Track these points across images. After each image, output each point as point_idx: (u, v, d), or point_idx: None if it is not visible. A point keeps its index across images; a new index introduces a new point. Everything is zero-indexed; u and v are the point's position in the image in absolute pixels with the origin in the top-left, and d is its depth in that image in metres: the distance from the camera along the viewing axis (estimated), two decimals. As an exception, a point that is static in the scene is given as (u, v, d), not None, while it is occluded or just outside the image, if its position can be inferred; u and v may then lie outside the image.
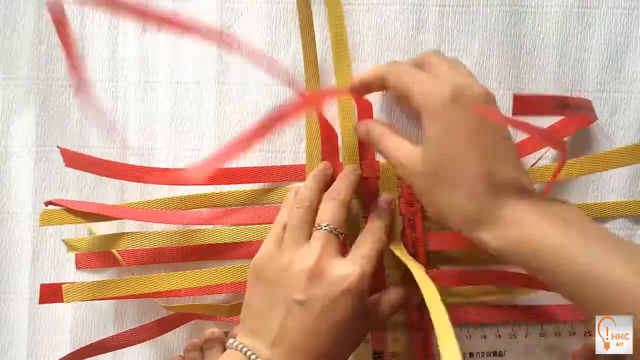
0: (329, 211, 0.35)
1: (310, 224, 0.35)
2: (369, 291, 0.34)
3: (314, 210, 0.36)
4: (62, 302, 0.38)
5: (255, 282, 0.34)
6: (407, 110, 0.41)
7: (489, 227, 0.30)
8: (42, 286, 0.38)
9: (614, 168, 0.40)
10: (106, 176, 0.40)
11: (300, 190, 0.37)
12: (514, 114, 0.30)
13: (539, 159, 0.41)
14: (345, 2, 0.41)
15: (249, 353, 0.32)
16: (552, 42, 0.41)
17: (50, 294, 0.38)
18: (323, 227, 0.34)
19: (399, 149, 0.33)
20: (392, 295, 0.37)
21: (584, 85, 0.41)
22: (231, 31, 0.42)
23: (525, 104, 0.31)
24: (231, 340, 0.34)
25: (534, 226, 0.29)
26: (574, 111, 0.37)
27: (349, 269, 0.33)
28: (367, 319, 0.35)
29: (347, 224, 0.36)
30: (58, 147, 0.38)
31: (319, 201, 0.36)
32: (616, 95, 0.41)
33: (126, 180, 0.40)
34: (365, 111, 0.40)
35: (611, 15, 0.41)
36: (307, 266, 0.33)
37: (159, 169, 0.41)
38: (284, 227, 0.36)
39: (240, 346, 0.33)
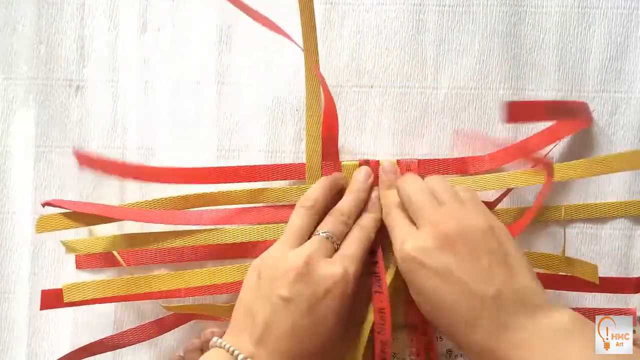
0: (331, 223, 0.36)
1: (310, 227, 0.36)
2: (353, 289, 0.34)
3: (316, 213, 0.36)
4: (63, 307, 0.38)
5: (251, 277, 0.35)
6: None
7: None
8: (43, 292, 0.38)
9: (614, 172, 0.40)
10: (122, 177, 0.40)
11: (309, 190, 0.38)
12: (506, 121, 0.30)
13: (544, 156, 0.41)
14: (345, 2, 0.41)
15: (231, 349, 0.32)
16: (552, 42, 0.41)
17: (51, 299, 0.38)
18: (321, 234, 0.35)
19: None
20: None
21: (584, 85, 0.41)
22: (231, 31, 0.42)
23: (517, 111, 0.31)
24: (215, 338, 0.34)
25: None
26: (569, 116, 0.37)
27: (332, 269, 0.33)
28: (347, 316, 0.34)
29: (344, 236, 0.36)
30: (73, 149, 0.39)
31: (324, 205, 0.37)
32: (616, 95, 0.41)
33: (143, 181, 0.41)
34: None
35: (611, 15, 0.41)
36: (295, 264, 0.33)
37: (162, 169, 0.41)
38: None
39: (224, 343, 0.33)
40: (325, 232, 0.35)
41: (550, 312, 0.30)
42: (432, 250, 0.32)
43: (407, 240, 0.33)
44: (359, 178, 0.39)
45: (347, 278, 0.33)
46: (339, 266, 0.33)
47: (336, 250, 0.35)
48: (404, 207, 0.36)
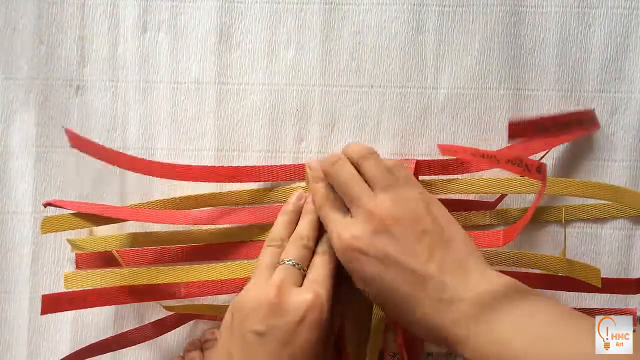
0: (293, 250, 0.35)
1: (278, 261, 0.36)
2: (329, 313, 0.33)
3: (283, 249, 0.36)
4: (64, 310, 0.38)
5: (226, 318, 0.34)
6: None
7: (456, 345, 0.31)
8: (44, 297, 0.38)
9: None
10: (109, 163, 0.39)
11: (272, 229, 0.38)
12: (509, 139, 0.30)
13: (541, 157, 0.41)
14: (345, 2, 0.41)
15: None
16: (552, 42, 0.41)
17: (52, 304, 0.38)
18: (286, 262, 0.35)
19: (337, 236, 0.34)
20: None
21: (584, 85, 0.41)
22: (231, 31, 0.42)
23: (520, 131, 0.31)
24: None
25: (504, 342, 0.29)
26: (576, 126, 0.37)
27: (304, 296, 0.32)
28: (329, 342, 0.34)
29: (309, 261, 0.36)
30: (63, 127, 0.38)
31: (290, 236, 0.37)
32: (616, 95, 0.41)
33: (127, 169, 0.40)
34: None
35: (611, 15, 0.41)
36: (267, 297, 0.32)
37: (162, 163, 0.41)
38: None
39: None
40: (289, 260, 0.35)
41: (490, 283, 0.31)
42: (368, 237, 0.32)
43: (343, 231, 0.33)
44: (310, 200, 0.38)
45: (320, 303, 0.32)
46: (310, 292, 0.33)
47: (303, 276, 0.35)
48: (334, 197, 0.36)
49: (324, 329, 0.33)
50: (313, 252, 0.36)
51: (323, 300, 0.33)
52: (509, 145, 0.41)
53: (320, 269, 0.35)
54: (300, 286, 0.34)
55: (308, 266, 0.35)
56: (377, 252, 0.32)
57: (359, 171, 0.35)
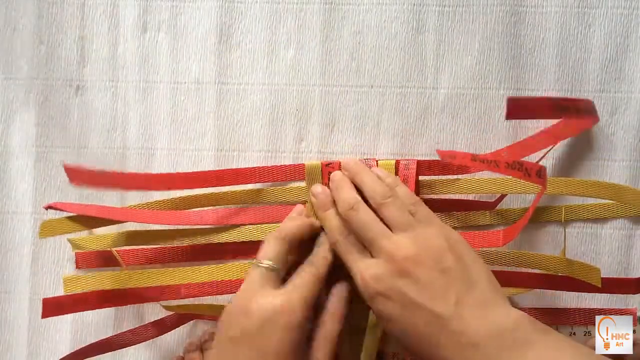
0: (270, 249, 0.35)
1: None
2: (305, 319, 0.32)
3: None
4: (65, 314, 0.38)
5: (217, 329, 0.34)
6: None
7: None
8: (45, 301, 0.38)
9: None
10: (113, 189, 0.40)
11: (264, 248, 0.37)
12: (507, 117, 0.30)
13: (542, 157, 0.41)
14: (345, 2, 0.41)
15: None
16: (552, 42, 0.41)
17: (53, 307, 0.38)
18: (259, 265, 0.34)
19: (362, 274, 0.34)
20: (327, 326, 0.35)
21: (584, 85, 0.41)
22: (231, 31, 0.42)
23: (519, 108, 0.31)
24: None
25: None
26: (573, 113, 0.37)
27: (271, 298, 0.32)
28: (305, 348, 0.34)
29: (286, 259, 0.35)
30: (64, 165, 0.37)
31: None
32: (616, 95, 0.41)
33: (133, 190, 0.40)
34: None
35: (611, 15, 0.41)
36: (241, 302, 0.33)
37: (162, 175, 0.41)
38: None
39: None
40: (262, 263, 0.34)
41: (512, 323, 0.30)
42: (389, 280, 0.32)
43: (365, 271, 0.33)
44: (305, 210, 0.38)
45: (291, 304, 0.32)
46: (282, 294, 0.32)
47: (278, 275, 0.34)
48: (349, 232, 0.35)
49: (297, 333, 0.32)
50: (296, 252, 0.36)
51: (294, 302, 0.32)
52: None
53: (303, 275, 0.34)
54: (276, 287, 0.33)
55: (285, 264, 0.35)
56: (397, 296, 0.32)
57: (376, 213, 0.35)
